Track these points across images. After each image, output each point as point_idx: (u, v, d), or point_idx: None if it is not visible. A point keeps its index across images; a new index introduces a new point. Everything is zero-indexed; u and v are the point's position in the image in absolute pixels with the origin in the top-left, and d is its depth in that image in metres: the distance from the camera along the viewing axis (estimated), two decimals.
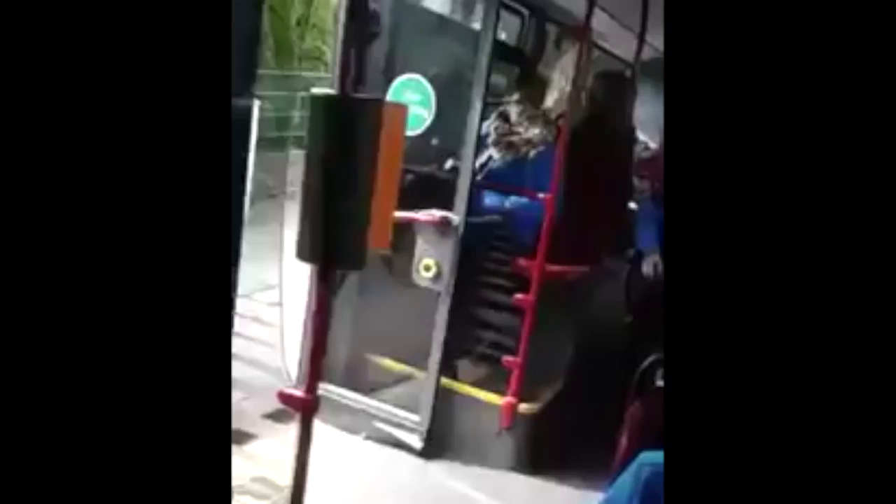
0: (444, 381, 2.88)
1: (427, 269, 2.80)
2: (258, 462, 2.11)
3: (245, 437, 2.35)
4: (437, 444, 2.83)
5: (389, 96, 2.92)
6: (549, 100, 3.87)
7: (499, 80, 3.79)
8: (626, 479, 1.54)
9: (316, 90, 1.58)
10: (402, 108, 1.70)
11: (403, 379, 3.08)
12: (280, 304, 3.19)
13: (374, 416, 2.90)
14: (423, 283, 2.82)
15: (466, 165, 2.80)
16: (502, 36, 3.63)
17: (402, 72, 3.04)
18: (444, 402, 2.85)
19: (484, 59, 2.72)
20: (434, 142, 3.15)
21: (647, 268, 3.50)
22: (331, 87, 1.78)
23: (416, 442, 2.84)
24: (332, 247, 1.56)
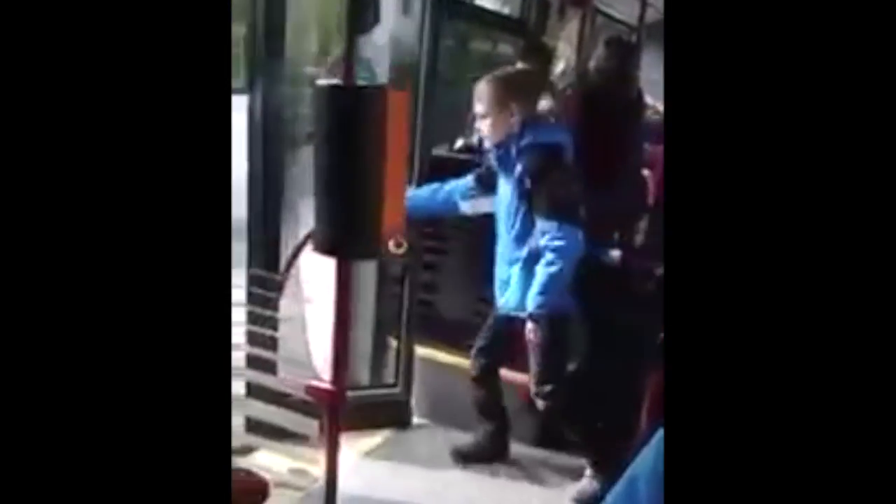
0: (457, 360, 2.85)
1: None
2: (294, 456, 2.18)
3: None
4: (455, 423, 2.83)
5: None
6: (556, 70, 3.82)
7: (506, 49, 3.73)
8: (647, 452, 1.55)
9: (321, 81, 1.57)
10: (404, 94, 1.70)
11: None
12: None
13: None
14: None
15: None
16: (506, 10, 3.57)
17: None
18: (455, 380, 2.81)
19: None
20: None
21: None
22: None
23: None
24: (349, 238, 1.57)
